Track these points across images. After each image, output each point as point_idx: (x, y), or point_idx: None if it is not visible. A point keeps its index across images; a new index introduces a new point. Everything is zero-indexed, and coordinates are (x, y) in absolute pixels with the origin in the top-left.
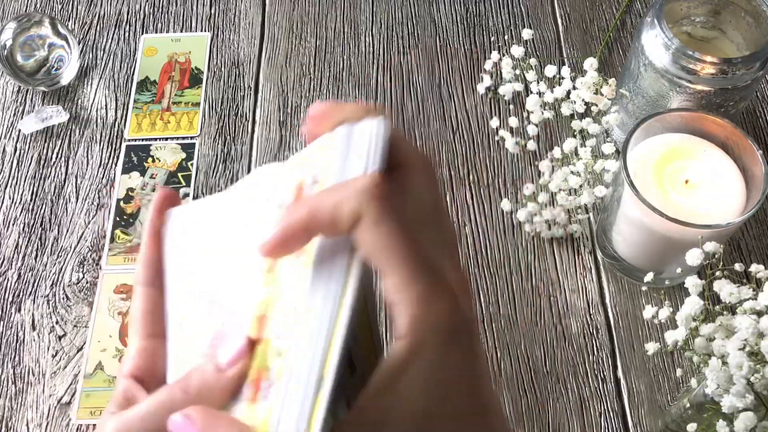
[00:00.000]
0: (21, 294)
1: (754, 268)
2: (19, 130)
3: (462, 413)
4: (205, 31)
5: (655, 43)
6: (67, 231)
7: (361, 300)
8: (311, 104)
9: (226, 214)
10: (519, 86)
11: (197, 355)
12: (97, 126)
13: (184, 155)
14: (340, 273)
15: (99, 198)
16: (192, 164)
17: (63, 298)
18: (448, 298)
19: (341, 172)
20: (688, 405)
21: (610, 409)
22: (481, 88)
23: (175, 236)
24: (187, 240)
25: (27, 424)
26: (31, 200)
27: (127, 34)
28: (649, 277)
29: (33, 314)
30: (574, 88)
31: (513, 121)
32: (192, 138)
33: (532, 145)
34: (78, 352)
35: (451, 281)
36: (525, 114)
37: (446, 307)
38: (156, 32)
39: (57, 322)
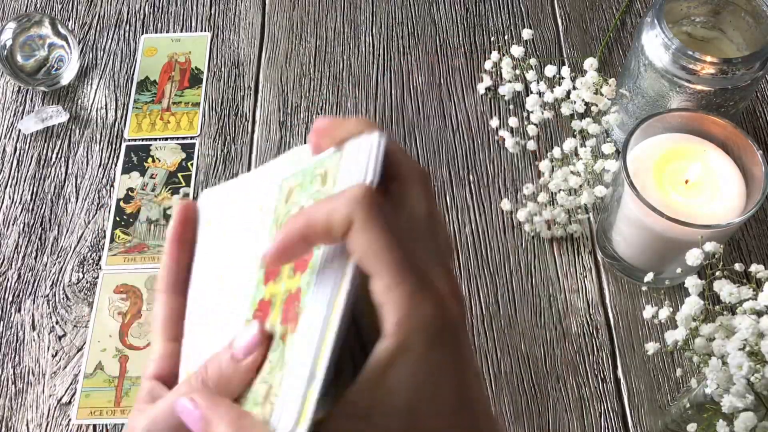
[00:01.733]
0: (21, 294)
1: (754, 268)
2: (19, 130)
3: (447, 410)
4: (205, 31)
5: (655, 43)
6: (67, 231)
7: (357, 303)
8: (315, 116)
9: (248, 196)
10: (519, 86)
11: (211, 336)
12: (97, 126)
13: (184, 155)
14: (335, 277)
15: (99, 198)
16: (192, 164)
17: (63, 298)
18: (434, 300)
19: (341, 184)
20: (688, 405)
21: (610, 409)
22: (481, 88)
23: (202, 219)
24: (210, 222)
25: (27, 424)
26: (31, 200)
27: (127, 34)
28: (649, 277)
29: (33, 314)
30: (574, 88)
31: (513, 121)
32: (192, 138)
33: (532, 145)
34: (78, 352)
35: (440, 286)
36: (525, 114)
37: (432, 308)
38: (156, 32)
39: (57, 322)
